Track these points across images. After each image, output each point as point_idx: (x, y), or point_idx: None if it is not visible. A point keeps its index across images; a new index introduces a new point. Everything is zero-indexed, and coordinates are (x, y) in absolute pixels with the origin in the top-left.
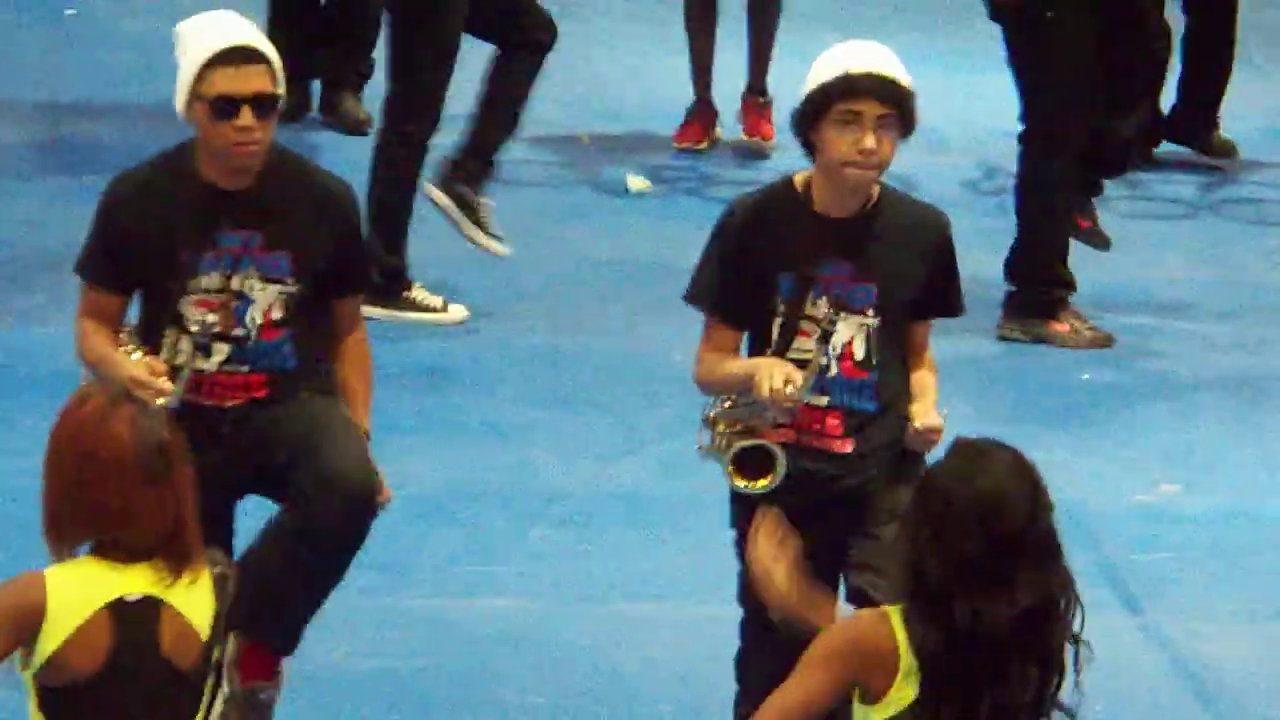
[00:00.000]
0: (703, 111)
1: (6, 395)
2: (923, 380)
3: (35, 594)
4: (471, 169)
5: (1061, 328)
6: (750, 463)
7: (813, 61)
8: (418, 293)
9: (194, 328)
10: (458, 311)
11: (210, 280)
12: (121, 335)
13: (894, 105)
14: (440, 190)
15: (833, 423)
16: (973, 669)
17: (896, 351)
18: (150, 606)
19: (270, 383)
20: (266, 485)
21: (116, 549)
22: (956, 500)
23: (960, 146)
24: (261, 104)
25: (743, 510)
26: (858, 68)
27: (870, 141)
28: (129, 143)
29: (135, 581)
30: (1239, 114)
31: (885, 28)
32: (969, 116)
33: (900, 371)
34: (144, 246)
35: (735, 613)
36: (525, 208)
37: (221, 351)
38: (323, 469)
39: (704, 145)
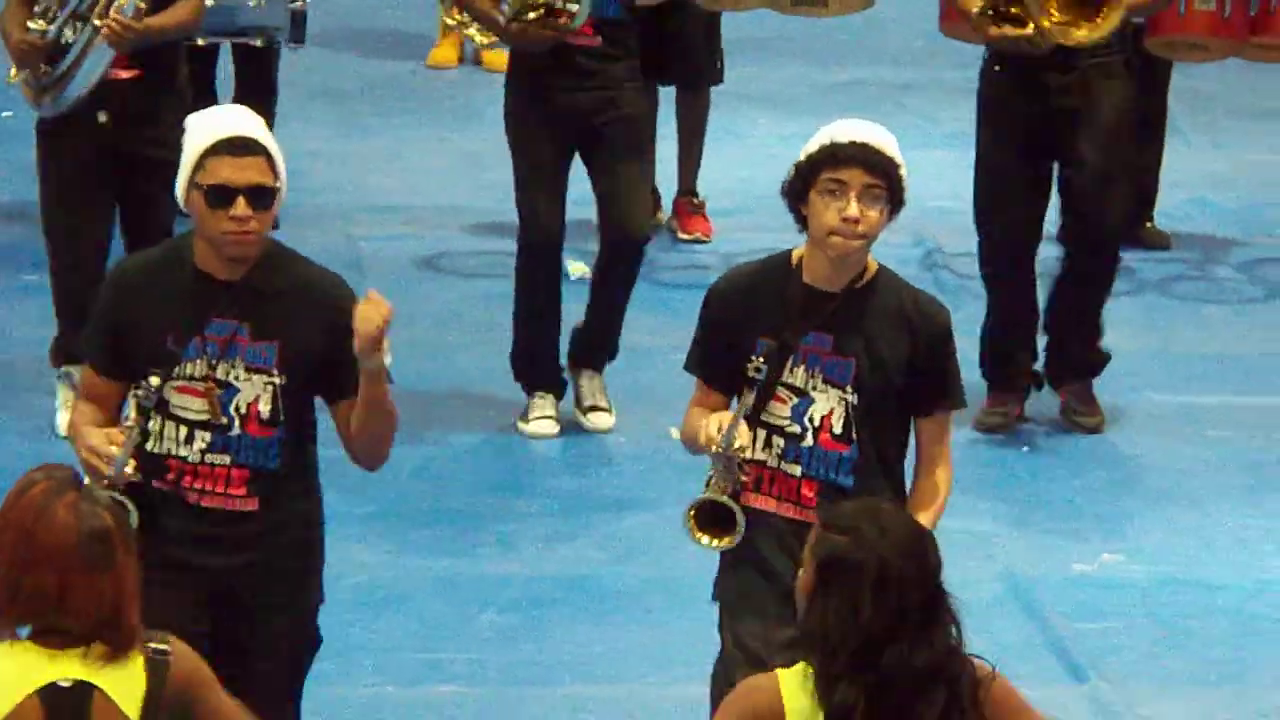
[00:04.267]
0: None
1: None
2: (921, 497)
3: None
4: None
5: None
6: (714, 520)
7: (740, 144)
8: None
9: (140, 392)
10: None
11: (195, 367)
12: (127, 422)
13: (880, 175)
14: None
15: (807, 493)
16: (894, 714)
17: (880, 432)
18: (82, 693)
19: (252, 481)
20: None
21: (53, 634)
22: (888, 559)
23: (898, 223)
24: (258, 195)
25: (727, 583)
26: (843, 138)
27: (854, 209)
28: None
29: (68, 667)
30: (1166, 184)
31: (817, 107)
32: (918, 197)
33: (884, 453)
34: (135, 331)
35: (685, 691)
36: (470, 297)
37: (204, 440)
38: None
39: None
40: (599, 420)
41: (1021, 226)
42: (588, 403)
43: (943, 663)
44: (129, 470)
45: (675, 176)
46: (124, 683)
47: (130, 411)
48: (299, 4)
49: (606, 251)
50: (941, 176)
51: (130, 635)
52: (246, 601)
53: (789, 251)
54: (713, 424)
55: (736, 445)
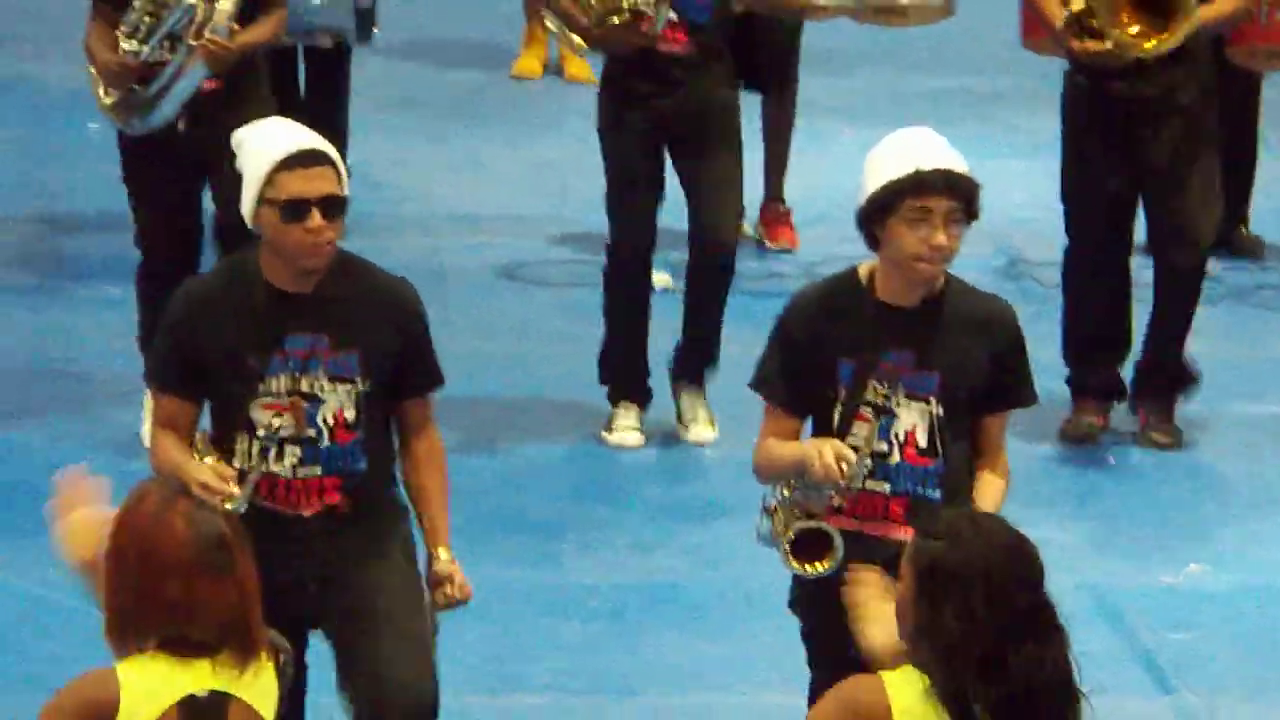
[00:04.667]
0: None
1: None
2: (986, 487)
3: (107, 693)
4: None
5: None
6: (808, 546)
7: (865, 154)
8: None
9: (261, 431)
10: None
11: (279, 383)
12: (196, 442)
13: (962, 199)
14: None
15: (896, 510)
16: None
17: (964, 442)
18: (219, 702)
19: (344, 486)
20: (328, 633)
21: (183, 644)
22: (993, 561)
23: (981, 233)
24: (330, 205)
25: (805, 595)
26: (929, 164)
27: (942, 238)
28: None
29: (203, 677)
30: (1255, 195)
31: (899, 116)
32: (987, 203)
33: (968, 462)
34: (211, 353)
35: (769, 701)
36: (550, 306)
37: (294, 455)
38: (380, 683)
39: None
40: (700, 434)
41: (1104, 230)
42: (688, 417)
43: (1069, 671)
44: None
45: (760, 185)
46: (260, 690)
47: (247, 448)
48: (364, 1)
49: (694, 260)
50: (1024, 186)
51: (256, 641)
52: (347, 568)
53: (854, 269)
54: (828, 453)
55: (860, 475)
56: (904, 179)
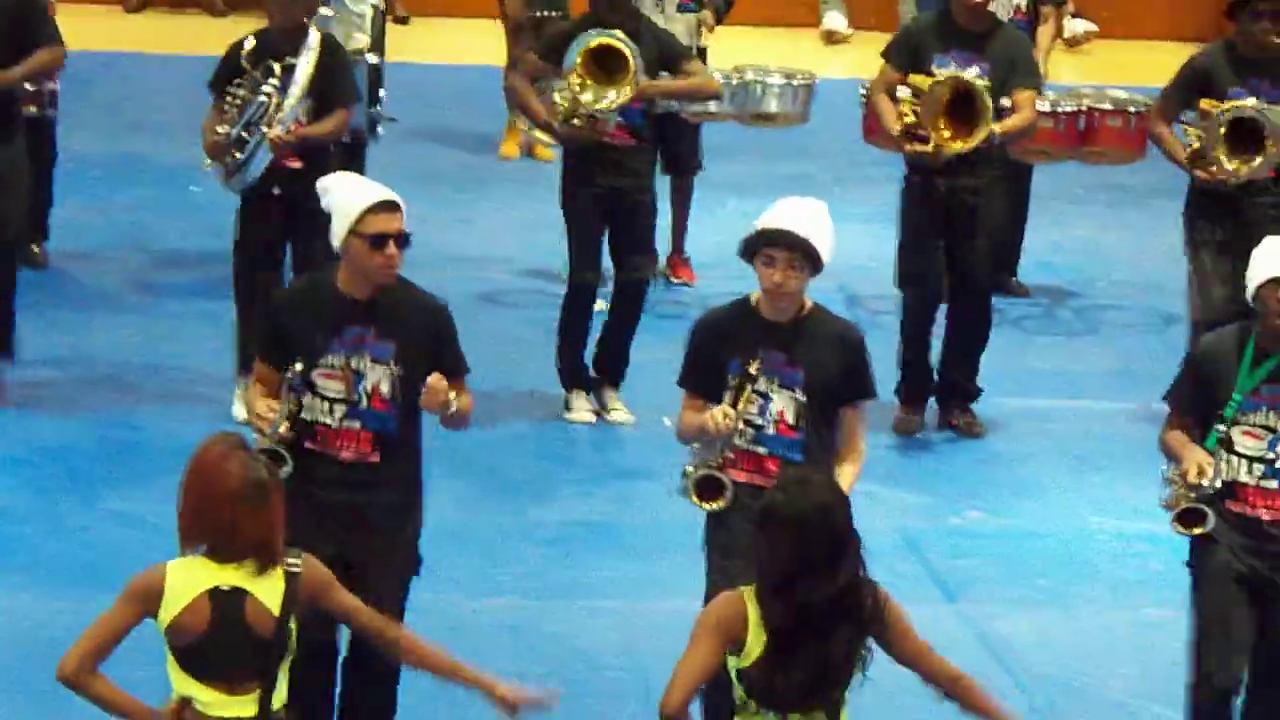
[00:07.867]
0: None
1: None
2: (843, 466)
3: (157, 579)
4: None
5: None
6: (708, 489)
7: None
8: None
9: (289, 375)
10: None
11: (335, 359)
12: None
13: (798, 251)
14: None
15: (770, 467)
16: (806, 631)
17: (822, 424)
18: (238, 593)
19: (376, 442)
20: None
21: (221, 552)
22: (796, 514)
23: (829, 275)
24: (401, 240)
25: (714, 536)
26: (773, 225)
27: (778, 278)
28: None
29: (229, 575)
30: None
31: (772, 191)
32: (834, 254)
33: (823, 437)
34: (293, 333)
35: (673, 606)
36: (517, 321)
37: (341, 411)
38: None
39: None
40: (619, 417)
41: (929, 289)
42: (611, 406)
43: (845, 593)
44: (283, 430)
45: (669, 239)
46: (268, 588)
47: (284, 390)
48: (375, 110)
49: (618, 290)
50: (859, 244)
51: (275, 555)
52: (370, 526)
53: (747, 296)
54: (717, 415)
55: (736, 434)
56: (754, 235)
